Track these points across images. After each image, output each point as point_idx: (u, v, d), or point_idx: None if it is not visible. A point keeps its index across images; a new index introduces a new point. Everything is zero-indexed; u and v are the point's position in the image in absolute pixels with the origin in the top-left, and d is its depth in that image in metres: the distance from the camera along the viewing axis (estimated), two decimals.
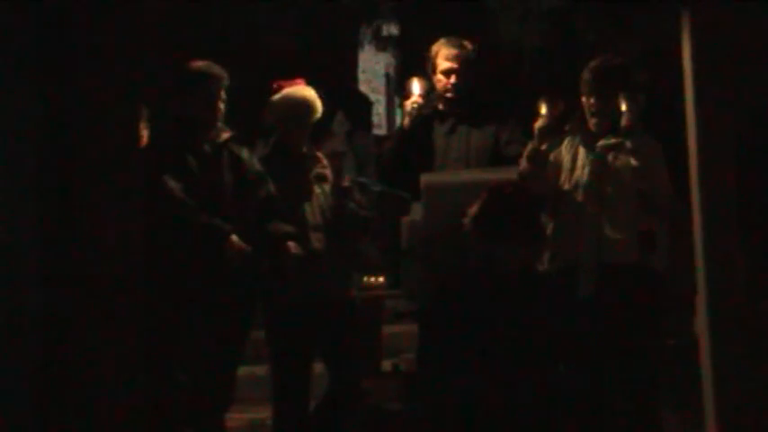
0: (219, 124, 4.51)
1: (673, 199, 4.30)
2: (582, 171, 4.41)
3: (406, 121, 4.93)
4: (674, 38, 4.02)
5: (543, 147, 4.32)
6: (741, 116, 3.78)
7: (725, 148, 3.75)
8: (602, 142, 4.41)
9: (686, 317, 4.88)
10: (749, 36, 3.77)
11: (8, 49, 3.37)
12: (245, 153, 4.57)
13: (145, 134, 4.65)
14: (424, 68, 5.05)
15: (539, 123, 4.32)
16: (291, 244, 4.49)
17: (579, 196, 4.38)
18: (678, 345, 4.98)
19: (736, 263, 3.70)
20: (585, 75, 4.45)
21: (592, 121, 4.44)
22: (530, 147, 4.35)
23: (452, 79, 4.90)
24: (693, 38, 3.82)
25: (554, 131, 4.37)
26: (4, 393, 3.29)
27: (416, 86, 4.90)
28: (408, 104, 4.91)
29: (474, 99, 4.94)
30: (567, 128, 4.52)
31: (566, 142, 4.51)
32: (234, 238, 4.31)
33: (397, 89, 8.86)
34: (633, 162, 4.31)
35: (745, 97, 3.78)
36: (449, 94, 4.92)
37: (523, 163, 4.36)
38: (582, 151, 4.45)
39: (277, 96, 4.80)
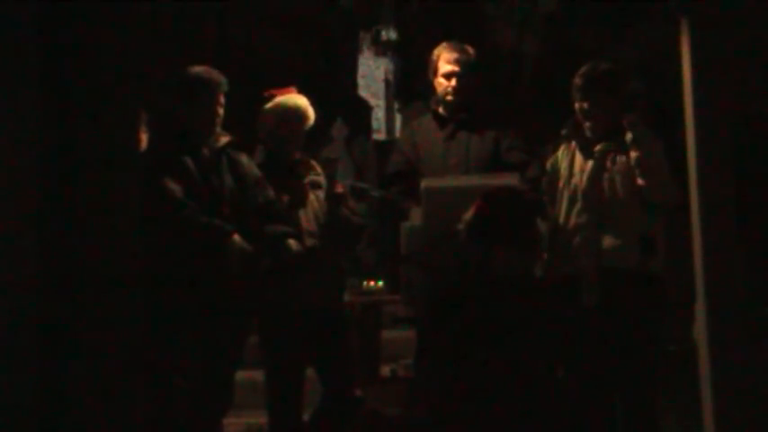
0: (218, 129, 4.52)
1: (674, 195, 4.29)
2: (580, 177, 4.42)
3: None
4: (673, 44, 4.03)
5: None
6: (740, 122, 3.78)
7: (723, 153, 3.76)
8: (599, 147, 4.41)
9: (685, 323, 4.89)
10: (747, 42, 3.78)
11: (10, 52, 3.37)
12: (244, 158, 4.58)
13: (144, 138, 4.66)
14: (423, 72, 5.07)
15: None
16: (292, 242, 4.50)
17: (578, 202, 4.39)
18: (677, 350, 4.98)
19: (734, 269, 3.70)
20: (576, 80, 4.47)
21: (586, 126, 4.45)
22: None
23: (453, 82, 4.91)
24: (692, 44, 3.83)
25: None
26: (3, 397, 3.29)
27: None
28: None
29: (474, 105, 4.95)
30: (563, 133, 4.53)
31: (562, 148, 4.52)
32: (236, 237, 4.32)
33: (396, 94, 8.87)
34: (633, 153, 4.32)
35: (743, 103, 3.78)
36: (449, 98, 4.93)
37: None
38: (579, 157, 4.46)
39: (269, 105, 4.80)
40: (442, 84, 4.95)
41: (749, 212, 3.74)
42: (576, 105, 4.47)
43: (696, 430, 4.00)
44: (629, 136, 4.33)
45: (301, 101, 4.82)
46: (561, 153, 4.51)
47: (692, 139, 3.83)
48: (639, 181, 4.31)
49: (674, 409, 4.73)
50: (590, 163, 4.42)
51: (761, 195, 3.76)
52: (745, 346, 3.67)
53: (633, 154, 4.32)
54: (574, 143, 4.49)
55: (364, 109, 8.66)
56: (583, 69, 4.49)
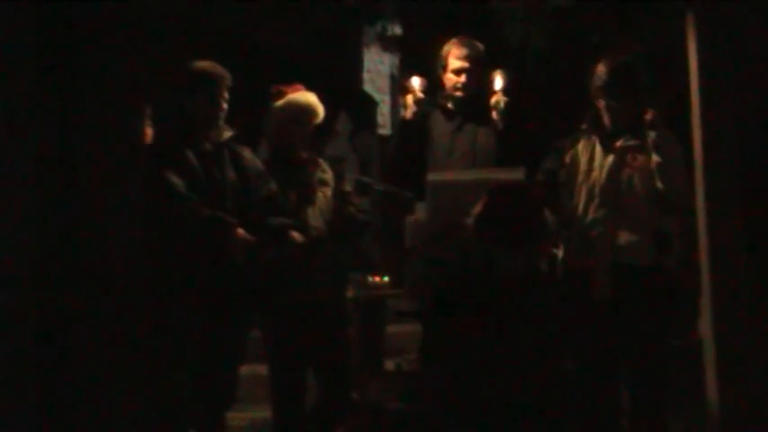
0: (221, 124, 4.52)
1: (690, 199, 4.27)
2: (599, 172, 4.40)
3: (408, 113, 4.95)
4: (680, 39, 4.01)
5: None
6: (746, 117, 3.77)
7: (729, 148, 3.75)
8: (620, 143, 4.39)
9: (689, 318, 4.88)
10: (754, 36, 3.76)
11: (10, 46, 3.35)
12: (246, 152, 4.58)
13: (149, 133, 4.66)
14: (427, 67, 5.07)
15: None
16: (295, 233, 4.50)
17: (596, 197, 4.37)
18: (682, 346, 4.97)
19: (740, 264, 3.69)
20: (600, 76, 4.42)
21: (607, 122, 4.43)
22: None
23: (462, 78, 4.94)
24: (698, 38, 3.81)
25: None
26: (2, 395, 3.27)
27: (416, 82, 4.94)
28: (409, 98, 4.94)
29: (481, 98, 4.95)
30: (583, 127, 4.50)
31: (582, 143, 4.49)
32: (239, 229, 4.32)
33: (401, 89, 8.86)
34: (655, 157, 4.30)
35: (750, 98, 3.77)
36: (458, 93, 4.95)
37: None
38: (598, 152, 4.43)
39: (280, 102, 4.79)
40: (451, 79, 4.98)
41: (756, 207, 3.73)
42: (600, 102, 4.43)
43: (700, 426, 3.99)
44: (650, 137, 4.30)
45: (312, 98, 4.81)
46: (581, 147, 4.47)
47: (699, 134, 3.82)
48: (658, 184, 4.29)
49: (679, 405, 4.72)
50: (609, 158, 4.40)
51: (767, 189, 3.75)
52: (751, 341, 3.65)
53: (654, 158, 4.29)
54: (594, 137, 4.46)
55: (369, 104, 8.67)
56: (605, 65, 4.43)
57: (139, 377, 3.42)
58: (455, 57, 4.96)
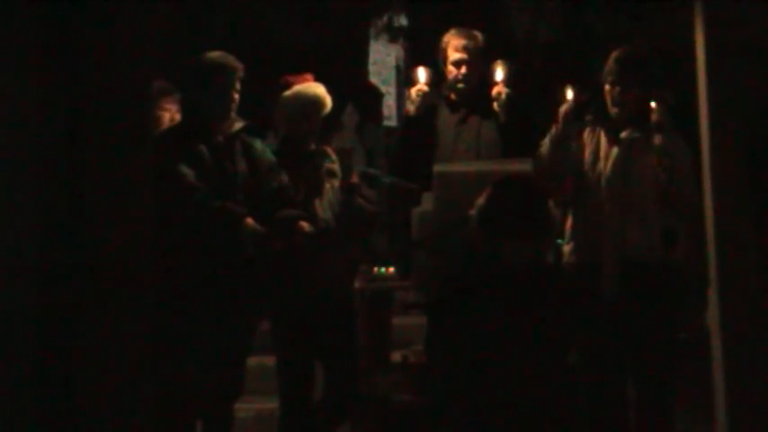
0: (233, 115, 4.52)
1: (697, 203, 4.25)
2: (605, 163, 4.37)
3: (412, 108, 4.95)
4: (687, 31, 4.00)
5: (567, 131, 4.31)
6: (754, 110, 3.77)
7: (737, 142, 3.74)
8: (626, 134, 4.36)
9: (697, 310, 4.87)
10: (762, 30, 3.75)
11: (13, 38, 3.35)
12: (257, 143, 4.58)
13: (167, 117, 4.67)
14: (434, 59, 5.06)
15: (563, 108, 4.30)
16: (304, 223, 4.49)
17: (602, 190, 4.35)
18: (689, 338, 4.97)
19: (748, 256, 3.69)
20: (610, 64, 4.39)
21: (613, 111, 4.39)
22: (554, 130, 4.31)
23: (463, 70, 4.92)
24: (706, 32, 3.81)
25: (577, 117, 4.35)
26: (6, 390, 3.28)
27: (422, 74, 4.92)
28: (413, 92, 4.93)
29: (485, 90, 4.94)
30: (587, 118, 4.48)
31: (586, 133, 4.46)
32: (249, 220, 4.32)
33: (407, 80, 8.87)
34: (662, 160, 4.27)
35: (757, 91, 3.76)
36: (459, 85, 4.94)
37: (546, 146, 4.33)
38: (604, 143, 4.40)
39: (287, 93, 4.77)
40: (452, 71, 4.96)
41: (764, 199, 3.73)
42: (606, 88, 4.40)
43: (707, 418, 3.99)
44: (657, 140, 4.28)
45: (320, 90, 4.79)
46: (585, 137, 4.44)
47: (706, 128, 3.81)
48: (665, 187, 4.27)
49: (685, 397, 4.72)
50: (615, 149, 4.37)
51: None
52: (758, 333, 3.65)
53: (661, 161, 4.27)
54: (599, 128, 4.44)
55: (375, 95, 8.67)
56: (617, 54, 4.41)
57: (147, 369, 3.43)
58: (453, 48, 4.95)
